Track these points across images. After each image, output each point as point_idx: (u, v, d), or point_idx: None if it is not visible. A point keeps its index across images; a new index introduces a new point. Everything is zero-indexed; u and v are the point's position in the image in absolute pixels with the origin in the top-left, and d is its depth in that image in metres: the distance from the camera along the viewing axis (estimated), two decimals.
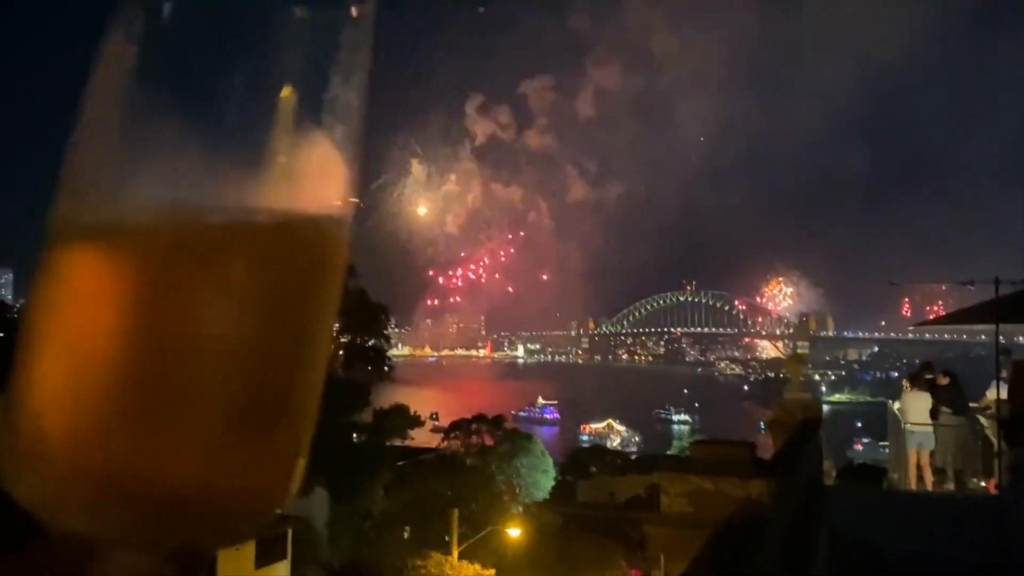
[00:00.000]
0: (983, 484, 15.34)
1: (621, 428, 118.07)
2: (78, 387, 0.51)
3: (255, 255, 0.53)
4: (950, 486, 14.76)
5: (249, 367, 0.53)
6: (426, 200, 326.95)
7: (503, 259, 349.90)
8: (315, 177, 0.56)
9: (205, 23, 0.54)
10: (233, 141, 0.54)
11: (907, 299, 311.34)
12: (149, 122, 0.54)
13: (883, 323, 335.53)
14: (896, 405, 16.33)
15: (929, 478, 14.57)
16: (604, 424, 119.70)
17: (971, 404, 15.25)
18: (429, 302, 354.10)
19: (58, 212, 0.54)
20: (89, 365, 0.51)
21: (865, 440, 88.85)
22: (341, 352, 39.69)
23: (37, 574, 0.54)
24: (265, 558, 29.63)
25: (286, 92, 0.55)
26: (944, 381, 14.81)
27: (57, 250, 0.54)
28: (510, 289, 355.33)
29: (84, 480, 0.50)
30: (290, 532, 31.20)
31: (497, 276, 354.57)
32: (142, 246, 0.52)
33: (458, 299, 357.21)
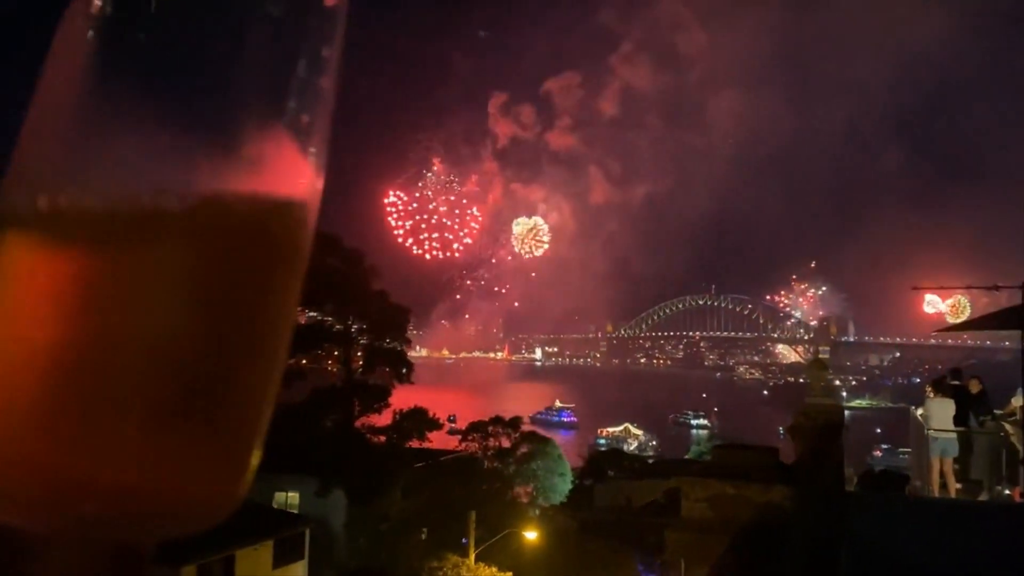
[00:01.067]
0: (1007, 492, 15.14)
1: (638, 432, 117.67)
2: (11, 377, 0.50)
3: (194, 240, 0.52)
4: (974, 494, 14.57)
5: (188, 358, 0.51)
6: (446, 200, 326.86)
7: (522, 261, 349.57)
8: (272, 165, 0.54)
9: (164, 5, 0.52)
10: (180, 124, 0.52)
11: (928, 302, 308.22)
12: (98, 105, 0.52)
13: (905, 328, 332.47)
14: (919, 411, 16.13)
15: (953, 485, 14.37)
16: (621, 428, 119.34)
17: (996, 411, 15.06)
18: (448, 304, 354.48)
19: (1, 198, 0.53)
20: (21, 355, 0.50)
21: (884, 446, 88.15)
22: (360, 354, 39.82)
23: None
24: (283, 559, 29.78)
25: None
26: (976, 388, 14.62)
27: None
28: (528, 291, 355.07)
29: (17, 473, 0.50)
30: (308, 533, 31.35)
31: (516, 278, 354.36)
32: (72, 232, 0.51)
33: (476, 301, 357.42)
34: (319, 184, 0.57)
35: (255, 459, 0.55)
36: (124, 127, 0.52)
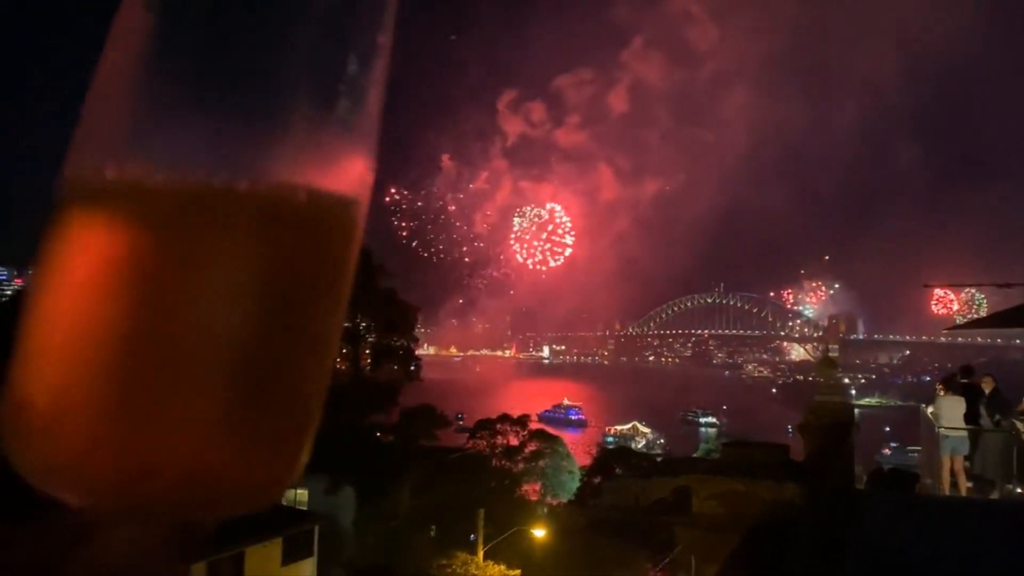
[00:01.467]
0: (1019, 490, 15.06)
1: (646, 430, 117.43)
2: (81, 358, 0.50)
3: (261, 227, 0.52)
4: (985, 492, 14.49)
5: (253, 344, 0.52)
6: (455, 197, 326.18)
7: (531, 259, 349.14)
8: (331, 157, 0.55)
9: None
10: (247, 111, 0.53)
11: (939, 300, 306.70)
12: (162, 87, 0.52)
13: (915, 326, 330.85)
14: (929, 409, 16.05)
15: (964, 484, 14.29)
16: (629, 426, 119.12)
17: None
18: (456, 301, 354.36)
19: (64, 172, 0.53)
20: (92, 335, 0.50)
21: (893, 444, 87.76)
22: (368, 351, 39.89)
23: (41, 545, 0.55)
24: (292, 556, 29.83)
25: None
26: (990, 386, 14.50)
27: (61, 212, 0.53)
28: (537, 289, 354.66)
29: (86, 453, 0.50)
30: (316, 530, 31.40)
31: (524, 276, 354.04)
32: (143, 211, 0.51)
33: (484, 299, 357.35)
34: (370, 180, 0.58)
35: (308, 449, 0.57)
36: (190, 106, 0.52)
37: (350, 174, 0.56)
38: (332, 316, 0.57)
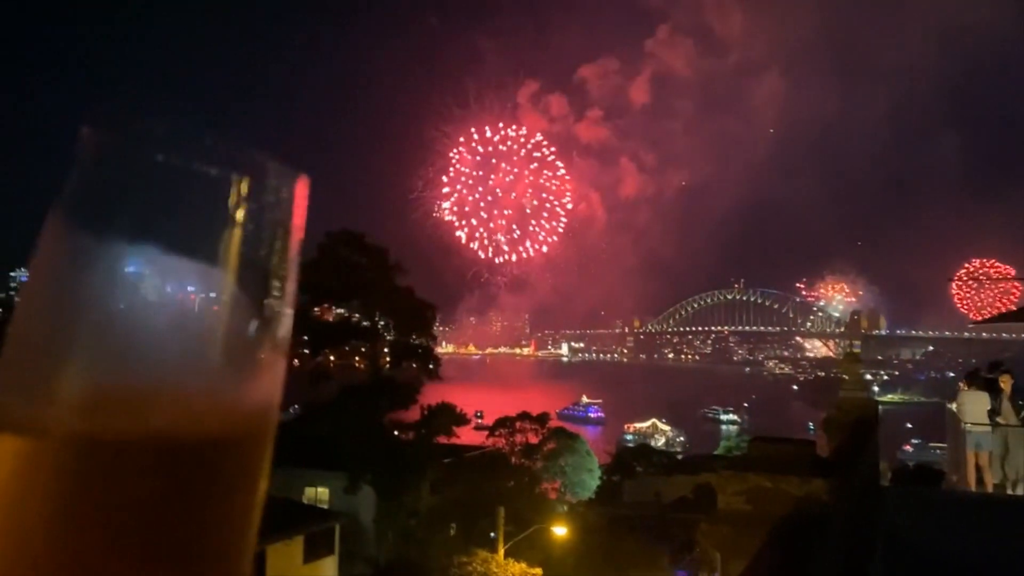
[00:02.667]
0: None
1: (666, 428, 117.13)
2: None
3: (171, 452, 0.53)
4: (1012, 488, 14.30)
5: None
6: (473, 193, 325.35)
7: (550, 255, 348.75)
8: (242, 379, 0.58)
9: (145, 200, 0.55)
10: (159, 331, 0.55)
11: (962, 294, 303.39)
12: (79, 313, 0.54)
13: (939, 321, 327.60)
14: (953, 405, 15.88)
15: (989, 480, 14.12)
16: (649, 423, 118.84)
17: None
18: (474, 299, 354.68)
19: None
20: (23, 551, 0.52)
21: (915, 441, 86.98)
22: (386, 350, 39.98)
23: None
24: (313, 554, 30.00)
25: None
26: (1008, 383, 14.30)
27: None
28: (556, 286, 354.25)
29: None
30: (337, 528, 31.57)
31: (543, 273, 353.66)
32: (54, 440, 0.52)
33: (503, 297, 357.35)
34: (279, 385, 0.61)
35: None
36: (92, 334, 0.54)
37: (259, 395, 0.59)
38: (246, 522, 0.58)
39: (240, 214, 0.57)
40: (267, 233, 0.59)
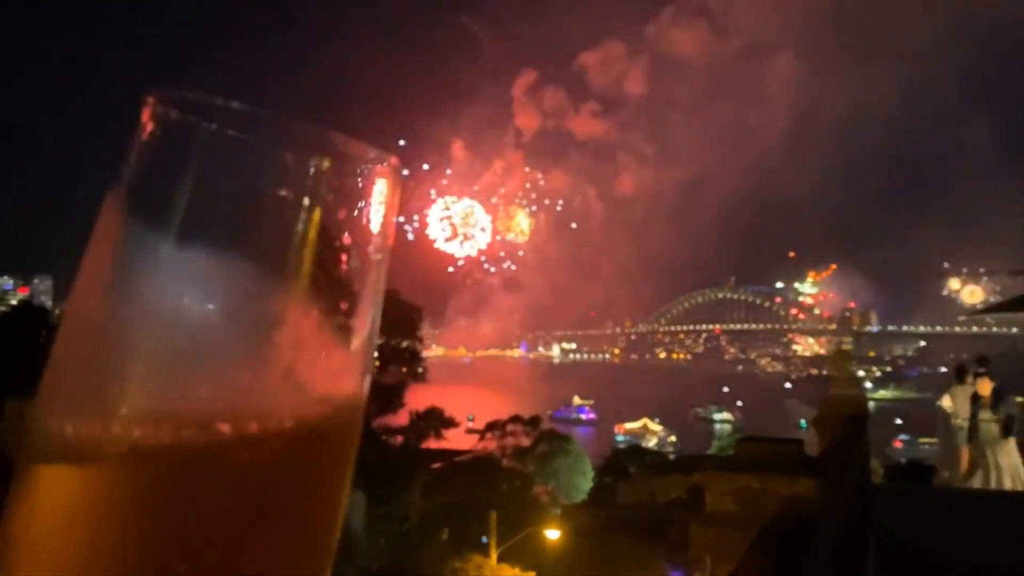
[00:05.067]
0: None
1: (657, 428, 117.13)
2: None
3: (248, 467, 0.48)
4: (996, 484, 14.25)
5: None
6: (468, 190, 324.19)
7: (540, 255, 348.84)
8: (323, 375, 0.52)
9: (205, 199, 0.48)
10: (230, 338, 0.49)
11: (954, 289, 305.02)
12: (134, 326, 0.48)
13: (930, 317, 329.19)
14: (946, 401, 15.84)
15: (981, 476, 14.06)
16: (640, 424, 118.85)
17: (1022, 399, 14.77)
18: (464, 301, 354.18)
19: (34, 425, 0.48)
20: None
21: (904, 437, 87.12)
22: (375, 354, 39.80)
23: None
24: None
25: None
26: (988, 388, 14.17)
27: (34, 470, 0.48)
28: (546, 287, 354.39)
29: None
30: None
31: (533, 274, 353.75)
32: (121, 465, 0.46)
33: (492, 298, 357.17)
34: (364, 390, 0.56)
35: None
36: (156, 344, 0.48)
37: (348, 390, 0.54)
38: (332, 520, 0.55)
39: (323, 204, 0.50)
40: (355, 228, 0.52)
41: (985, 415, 13.81)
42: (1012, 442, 13.75)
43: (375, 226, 0.53)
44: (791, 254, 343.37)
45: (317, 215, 0.50)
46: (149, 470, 0.46)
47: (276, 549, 0.49)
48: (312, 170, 0.49)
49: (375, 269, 0.54)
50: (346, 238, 0.51)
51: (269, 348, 0.49)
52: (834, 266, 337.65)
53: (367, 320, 0.54)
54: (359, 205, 0.52)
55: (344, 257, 0.51)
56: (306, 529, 0.52)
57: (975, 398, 13.95)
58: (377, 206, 0.53)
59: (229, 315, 0.49)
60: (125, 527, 0.46)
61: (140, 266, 0.48)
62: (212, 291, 0.48)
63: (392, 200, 0.54)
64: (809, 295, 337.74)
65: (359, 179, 0.52)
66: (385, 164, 0.53)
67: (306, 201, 0.49)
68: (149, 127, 0.49)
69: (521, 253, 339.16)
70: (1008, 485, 13.56)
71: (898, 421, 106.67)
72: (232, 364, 0.48)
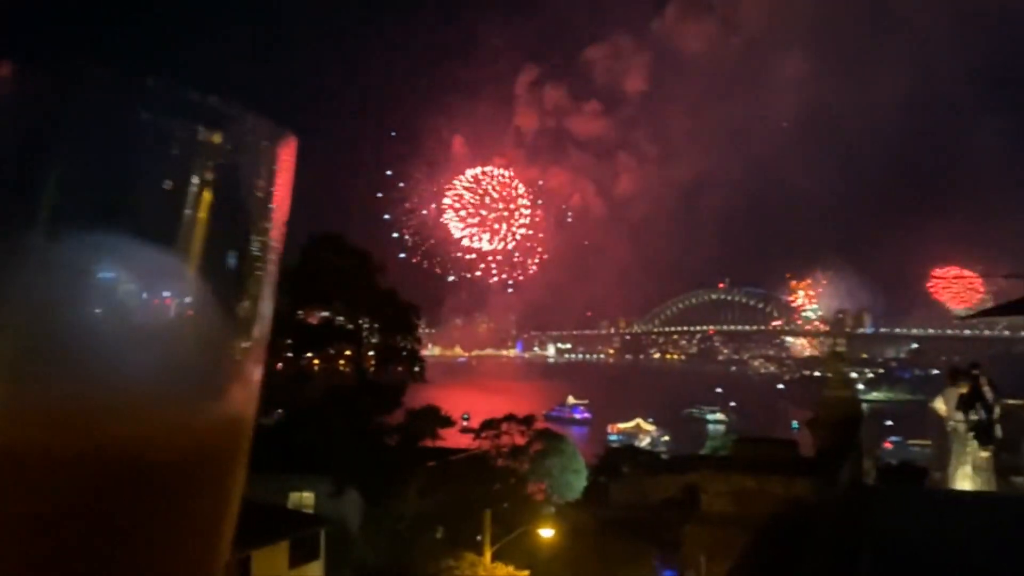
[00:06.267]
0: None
1: (650, 427, 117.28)
2: None
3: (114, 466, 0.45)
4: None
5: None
6: (468, 189, 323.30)
7: (535, 256, 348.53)
8: (209, 368, 0.49)
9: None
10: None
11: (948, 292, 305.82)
12: None
13: (923, 319, 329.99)
14: (939, 403, 15.94)
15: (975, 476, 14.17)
16: (633, 424, 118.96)
17: (1014, 401, 14.88)
18: (460, 301, 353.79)
19: None
20: None
21: (895, 439, 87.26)
22: (372, 353, 39.82)
23: None
24: (299, 559, 29.79)
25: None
26: (966, 388, 14.27)
27: None
28: (542, 287, 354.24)
29: None
30: (323, 533, 31.36)
31: (530, 272, 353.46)
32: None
33: (489, 298, 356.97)
34: (258, 369, 0.52)
35: None
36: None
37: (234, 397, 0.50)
38: (218, 531, 0.51)
39: (210, 183, 0.46)
40: (244, 208, 0.48)
41: (958, 417, 13.94)
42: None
43: (270, 208, 0.49)
44: (788, 275, 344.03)
45: (207, 195, 0.45)
46: (14, 471, 0.43)
47: (153, 553, 0.46)
48: (200, 144, 0.45)
49: (268, 254, 0.50)
50: (237, 220, 0.48)
51: (150, 341, 0.46)
52: (825, 280, 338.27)
53: (259, 308, 0.50)
54: (253, 184, 0.48)
55: (235, 241, 0.48)
56: (185, 535, 0.48)
57: (978, 392, 14.05)
58: (272, 186, 0.49)
59: (105, 306, 0.45)
60: None
61: (10, 255, 0.43)
62: (85, 281, 0.44)
63: (286, 180, 0.50)
64: (803, 297, 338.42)
65: (253, 155, 0.47)
66: (282, 140, 0.49)
67: (193, 179, 0.45)
68: (7, 95, 0.43)
69: (538, 253, 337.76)
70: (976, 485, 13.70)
71: (888, 423, 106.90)
72: (107, 360, 0.44)
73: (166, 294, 0.46)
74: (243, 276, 0.48)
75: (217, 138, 0.45)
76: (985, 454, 13.90)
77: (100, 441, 0.43)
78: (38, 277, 0.43)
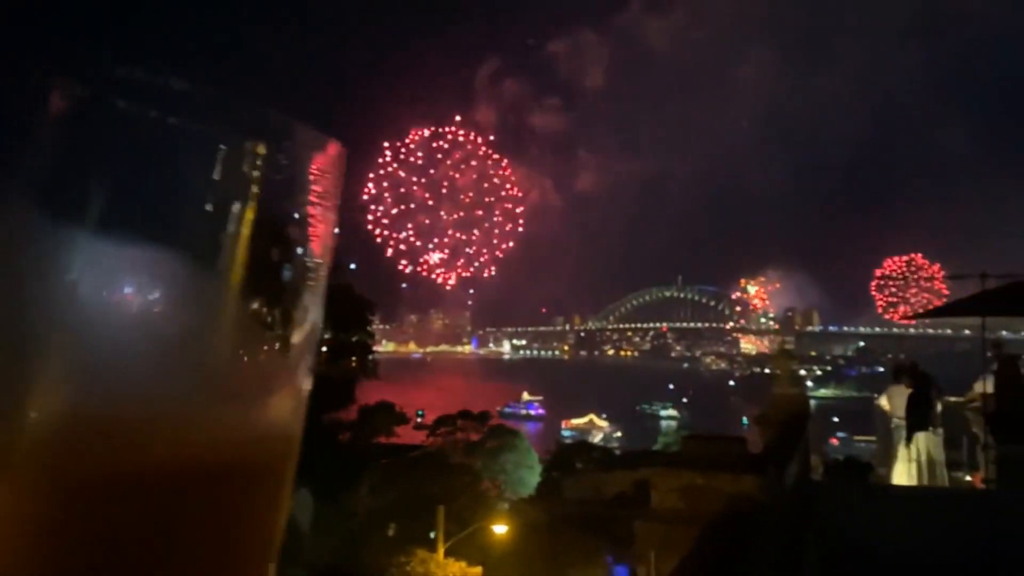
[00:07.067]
0: (968, 478, 15.36)
1: (603, 423, 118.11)
2: None
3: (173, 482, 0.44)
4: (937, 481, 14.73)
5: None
6: (421, 184, 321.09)
7: (489, 253, 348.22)
8: (259, 385, 0.48)
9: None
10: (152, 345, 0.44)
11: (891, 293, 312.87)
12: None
13: (869, 318, 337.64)
14: (883, 400, 16.32)
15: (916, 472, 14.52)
16: (586, 420, 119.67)
17: (956, 398, 15.24)
18: (415, 297, 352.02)
19: None
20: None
21: (841, 435, 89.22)
22: (324, 348, 39.42)
23: None
24: None
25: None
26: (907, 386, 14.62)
27: None
28: (497, 283, 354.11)
29: None
30: None
31: (484, 270, 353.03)
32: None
33: (445, 294, 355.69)
34: (308, 384, 0.52)
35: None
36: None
37: (284, 409, 0.50)
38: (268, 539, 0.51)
39: (254, 193, 0.45)
40: (289, 219, 0.47)
41: (903, 413, 14.32)
42: (925, 437, 14.18)
43: (317, 219, 0.48)
44: (742, 282, 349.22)
45: (251, 207, 0.44)
46: (56, 478, 0.42)
47: (203, 566, 0.45)
48: (246, 155, 0.44)
49: (317, 267, 0.49)
50: (285, 232, 0.47)
51: (198, 355, 0.45)
52: (778, 284, 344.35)
53: (308, 323, 0.50)
54: (300, 195, 0.47)
55: (283, 254, 0.47)
56: (234, 549, 0.47)
57: (925, 389, 14.40)
58: (319, 196, 0.48)
59: (151, 318, 0.44)
60: (25, 533, 0.42)
61: (50, 264, 0.42)
62: (133, 292, 0.43)
63: (335, 189, 0.49)
64: (754, 296, 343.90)
65: (299, 166, 0.46)
66: (328, 149, 0.48)
67: (238, 190, 0.44)
68: (56, 106, 0.42)
69: (494, 249, 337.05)
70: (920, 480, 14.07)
71: (835, 419, 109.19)
72: (154, 372, 0.44)
73: (207, 307, 0.44)
74: (290, 287, 0.48)
75: (261, 148, 0.44)
76: (929, 450, 14.27)
77: (146, 457, 0.43)
78: (80, 291, 0.42)
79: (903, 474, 14.45)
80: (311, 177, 0.47)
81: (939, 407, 14.41)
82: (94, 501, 0.42)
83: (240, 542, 0.47)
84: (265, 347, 0.47)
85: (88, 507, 0.42)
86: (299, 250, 0.48)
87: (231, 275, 0.44)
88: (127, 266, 0.43)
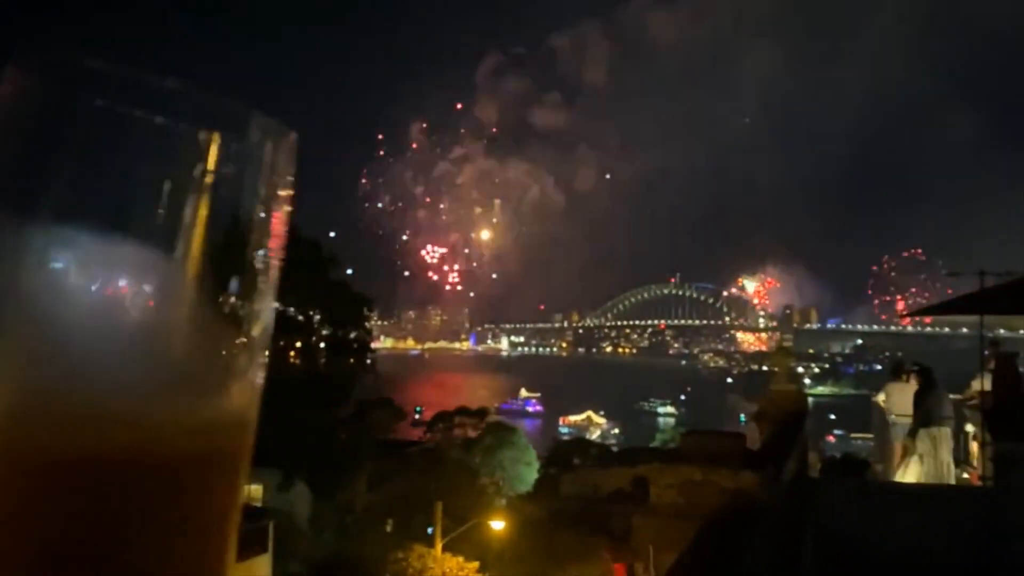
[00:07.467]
0: (965, 476, 15.36)
1: (601, 420, 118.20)
2: None
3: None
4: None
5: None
6: (424, 182, 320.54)
7: (489, 248, 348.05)
8: (214, 372, 0.48)
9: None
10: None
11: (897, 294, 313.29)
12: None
13: (868, 315, 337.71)
14: (880, 397, 16.32)
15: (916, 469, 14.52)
16: (584, 416, 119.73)
17: (954, 396, 15.24)
18: (414, 293, 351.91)
19: None
20: None
21: (838, 432, 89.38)
22: (323, 345, 39.39)
23: None
24: (246, 552, 29.38)
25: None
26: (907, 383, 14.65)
27: None
28: (495, 280, 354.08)
29: None
30: (271, 526, 30.98)
31: (483, 266, 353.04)
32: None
33: (443, 291, 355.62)
34: (261, 372, 0.52)
35: None
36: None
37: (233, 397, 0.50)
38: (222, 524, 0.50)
39: (209, 183, 0.45)
40: (243, 207, 0.47)
41: (904, 411, 14.33)
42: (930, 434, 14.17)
43: (271, 209, 0.49)
44: (740, 279, 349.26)
45: (205, 196, 0.45)
46: (9, 465, 0.43)
47: (159, 552, 0.46)
48: (201, 144, 0.44)
49: (271, 257, 0.50)
50: (240, 222, 0.47)
51: (150, 343, 0.45)
52: (774, 282, 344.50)
53: (262, 313, 0.50)
54: (255, 184, 0.47)
55: (239, 242, 0.47)
56: (192, 534, 0.47)
57: (926, 385, 14.40)
58: (271, 185, 0.48)
59: (106, 308, 0.44)
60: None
61: (2, 254, 0.43)
62: (90, 283, 0.44)
63: (288, 179, 0.49)
64: (752, 293, 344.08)
65: (254, 155, 0.47)
66: (284, 138, 0.48)
67: (194, 179, 0.44)
68: (4, 96, 0.43)
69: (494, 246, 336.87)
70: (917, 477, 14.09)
71: (832, 416, 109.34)
72: (112, 362, 0.44)
73: (164, 296, 0.45)
74: (243, 276, 0.48)
75: (216, 137, 0.44)
76: (937, 446, 14.28)
77: (102, 443, 0.43)
78: (38, 281, 0.43)
79: (910, 471, 14.44)
80: (266, 166, 0.47)
81: (949, 403, 14.36)
82: (48, 489, 0.42)
83: (198, 528, 0.48)
84: (220, 336, 0.47)
85: (42, 495, 0.42)
86: (254, 240, 0.48)
87: (186, 265, 0.44)
88: (81, 256, 0.43)
